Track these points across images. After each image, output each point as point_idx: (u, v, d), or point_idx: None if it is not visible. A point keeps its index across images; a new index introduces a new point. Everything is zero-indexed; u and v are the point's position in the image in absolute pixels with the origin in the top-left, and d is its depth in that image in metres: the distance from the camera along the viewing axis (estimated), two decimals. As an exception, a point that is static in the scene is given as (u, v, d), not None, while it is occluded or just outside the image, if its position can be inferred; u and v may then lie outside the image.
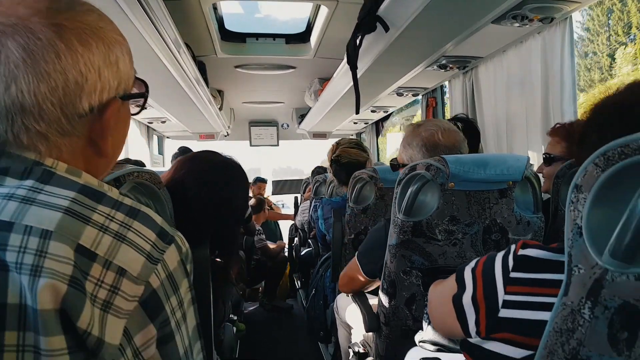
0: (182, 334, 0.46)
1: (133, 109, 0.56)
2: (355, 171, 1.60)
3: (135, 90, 0.53)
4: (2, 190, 0.41)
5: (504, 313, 0.60)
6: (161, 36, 1.53)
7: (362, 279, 1.22)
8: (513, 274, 0.60)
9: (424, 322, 1.08)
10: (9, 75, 0.41)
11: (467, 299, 0.66)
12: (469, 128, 1.66)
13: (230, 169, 0.99)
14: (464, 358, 0.85)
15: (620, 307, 0.46)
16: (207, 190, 0.92)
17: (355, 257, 1.25)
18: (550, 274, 0.58)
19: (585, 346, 0.49)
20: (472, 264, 0.69)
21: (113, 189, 0.48)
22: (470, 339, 0.67)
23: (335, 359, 1.86)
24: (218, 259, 1.05)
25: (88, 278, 0.39)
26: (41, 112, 0.43)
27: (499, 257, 0.64)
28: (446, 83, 2.31)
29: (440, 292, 0.77)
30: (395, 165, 1.24)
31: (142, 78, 0.55)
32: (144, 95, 0.55)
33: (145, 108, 0.59)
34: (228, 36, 2.39)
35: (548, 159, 1.33)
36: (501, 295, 0.61)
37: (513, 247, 0.63)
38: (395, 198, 1.06)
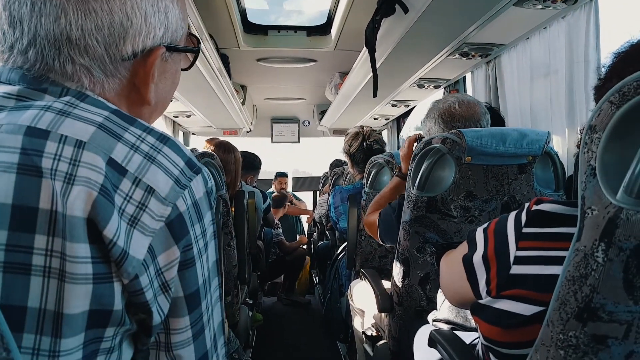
0: (202, 264, 0.47)
1: (184, 64, 0.58)
2: (372, 155, 1.60)
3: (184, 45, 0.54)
4: (40, 103, 0.43)
5: (516, 269, 0.58)
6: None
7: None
8: (526, 229, 0.58)
9: (438, 301, 1.06)
10: (60, 6, 0.44)
11: (477, 257, 0.64)
12: (494, 117, 1.63)
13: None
14: (477, 334, 0.82)
15: (637, 249, 0.44)
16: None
17: (378, 217, 1.24)
18: (565, 227, 0.56)
19: (600, 292, 0.47)
20: (485, 224, 0.67)
21: None
22: (480, 301, 0.65)
23: (350, 348, 1.85)
24: None
25: (117, 191, 0.40)
26: (86, 47, 0.45)
27: (512, 214, 0.62)
28: (468, 75, 2.27)
29: (451, 257, 0.75)
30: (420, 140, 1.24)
31: None
32: (194, 50, 0.56)
33: (194, 64, 0.59)
34: (250, 28, 2.43)
35: None
36: (513, 252, 0.59)
37: (527, 204, 0.61)
38: (410, 173, 1.05)
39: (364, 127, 1.91)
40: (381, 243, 1.23)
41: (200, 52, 1.86)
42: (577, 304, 0.48)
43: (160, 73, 0.52)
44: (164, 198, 0.42)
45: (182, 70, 0.58)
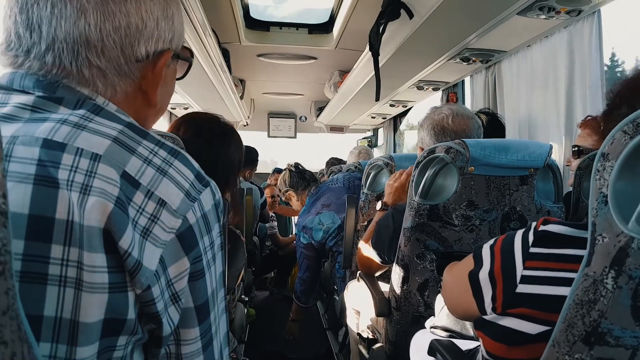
0: (211, 275, 0.48)
1: (178, 73, 0.59)
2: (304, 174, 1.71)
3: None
4: (56, 116, 0.43)
5: (522, 288, 0.59)
6: (189, 18, 1.55)
7: (375, 263, 1.23)
8: (533, 249, 0.59)
9: (436, 309, 1.08)
10: (80, 8, 0.44)
11: (483, 274, 0.65)
12: (494, 122, 1.65)
13: (223, 126, 1.06)
14: (476, 343, 0.84)
15: (645, 278, 0.45)
16: (209, 146, 0.99)
17: (370, 243, 1.26)
18: (572, 249, 0.57)
19: (607, 318, 0.48)
20: (491, 241, 0.68)
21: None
22: (485, 316, 0.66)
23: (343, 346, 1.87)
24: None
25: (131, 203, 0.41)
26: (103, 48, 0.46)
27: (519, 233, 0.63)
28: (467, 78, 2.29)
29: (456, 271, 0.76)
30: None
31: None
32: (190, 60, 0.59)
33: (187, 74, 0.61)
34: (253, 24, 2.41)
35: (577, 152, 1.29)
36: (520, 271, 0.60)
37: (534, 223, 0.62)
38: (412, 180, 1.05)
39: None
40: (380, 264, 1.25)
41: (203, 46, 1.85)
42: (584, 327, 0.49)
43: (165, 76, 0.53)
44: (175, 210, 0.43)
45: (177, 79, 0.60)
